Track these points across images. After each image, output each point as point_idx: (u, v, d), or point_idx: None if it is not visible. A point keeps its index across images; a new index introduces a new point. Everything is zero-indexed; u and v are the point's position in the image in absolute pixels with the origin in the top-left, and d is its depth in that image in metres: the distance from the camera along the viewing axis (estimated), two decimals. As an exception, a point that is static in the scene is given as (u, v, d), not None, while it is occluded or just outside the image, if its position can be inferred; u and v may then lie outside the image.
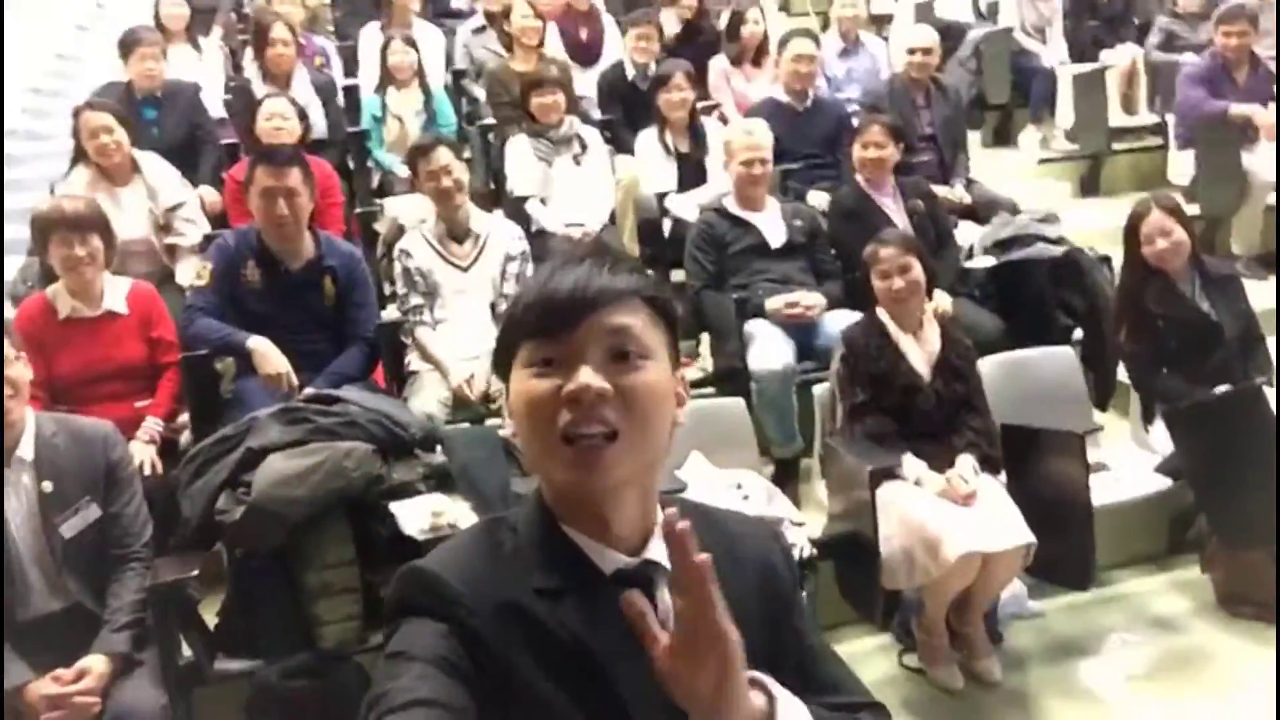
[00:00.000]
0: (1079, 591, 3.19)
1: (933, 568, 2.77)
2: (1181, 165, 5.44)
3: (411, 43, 5.41)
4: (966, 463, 2.96)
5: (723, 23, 6.00)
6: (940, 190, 4.65)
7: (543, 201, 4.62)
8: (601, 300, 1.02)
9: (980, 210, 4.75)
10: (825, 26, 6.53)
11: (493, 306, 3.67)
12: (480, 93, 5.79)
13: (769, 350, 3.65)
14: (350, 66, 6.15)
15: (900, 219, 4.12)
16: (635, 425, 1.00)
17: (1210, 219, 5.12)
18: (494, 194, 4.98)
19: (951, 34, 6.21)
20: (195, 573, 2.57)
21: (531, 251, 3.79)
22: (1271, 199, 5.07)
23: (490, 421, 3.39)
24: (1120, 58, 6.45)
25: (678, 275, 4.11)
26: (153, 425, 3.21)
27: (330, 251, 3.38)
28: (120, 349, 3.27)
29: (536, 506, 1.07)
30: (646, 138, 4.86)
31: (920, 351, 3.13)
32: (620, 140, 5.14)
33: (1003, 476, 3.04)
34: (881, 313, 3.17)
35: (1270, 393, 3.20)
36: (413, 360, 3.64)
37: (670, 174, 4.78)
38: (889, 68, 5.88)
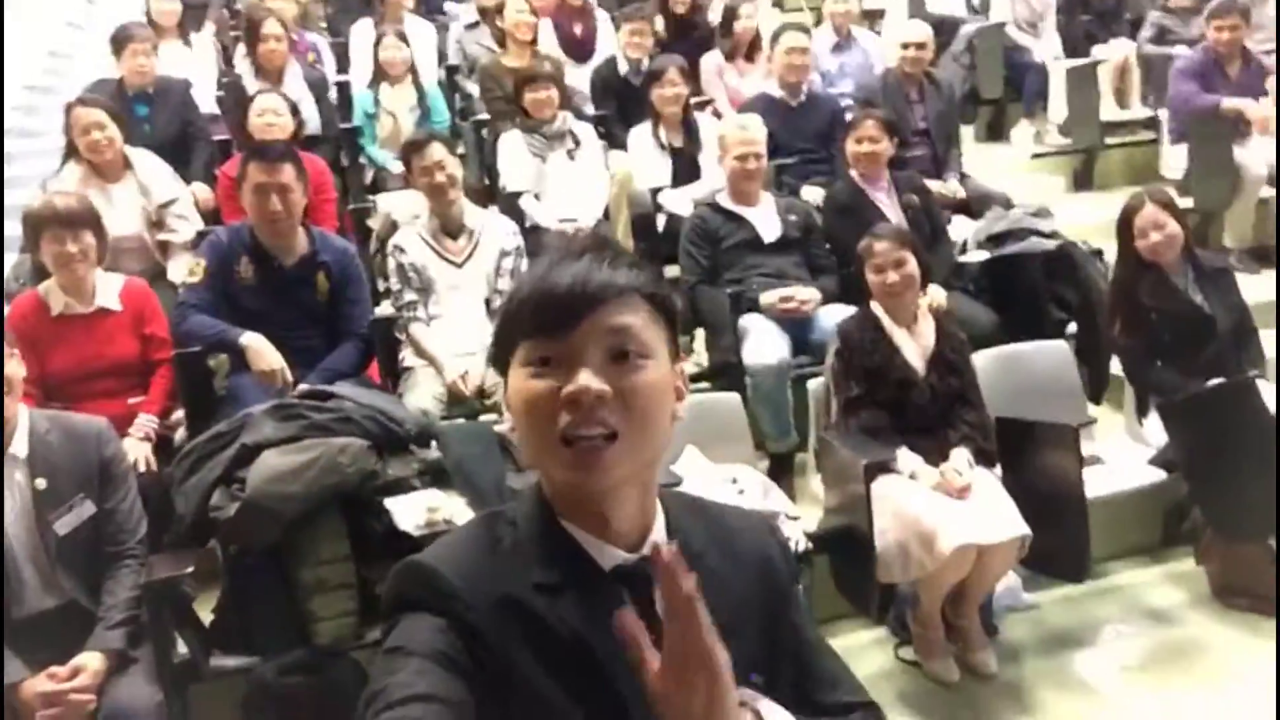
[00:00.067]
0: (1074, 584, 3.19)
1: (928, 561, 2.77)
2: (1174, 159, 5.46)
3: (404, 38, 5.41)
4: (961, 456, 2.96)
5: (716, 18, 6.00)
6: (934, 185, 4.65)
7: (536, 197, 4.61)
8: (601, 297, 1.01)
9: (974, 205, 4.76)
10: (818, 22, 6.51)
11: (487, 302, 3.66)
12: (474, 88, 5.79)
13: (764, 345, 3.65)
14: (342, 62, 6.14)
15: (894, 213, 4.12)
16: (635, 426, 1.00)
17: (1203, 213, 5.14)
18: (488, 190, 4.97)
19: (944, 29, 6.21)
20: (190, 569, 2.56)
21: (526, 247, 3.79)
22: (1263, 193, 5.08)
23: (485, 417, 3.39)
24: (1113, 52, 6.46)
25: (672, 270, 4.10)
26: (146, 422, 3.20)
27: (324, 247, 3.38)
28: (113, 346, 3.26)
29: (536, 501, 1.07)
30: (640, 133, 4.86)
31: (915, 345, 3.13)
32: (613, 136, 5.14)
33: (997, 470, 3.05)
34: (876, 307, 3.18)
35: (1264, 385, 3.21)
36: (407, 356, 3.64)
37: (664, 169, 4.78)
38: (882, 63, 5.88)
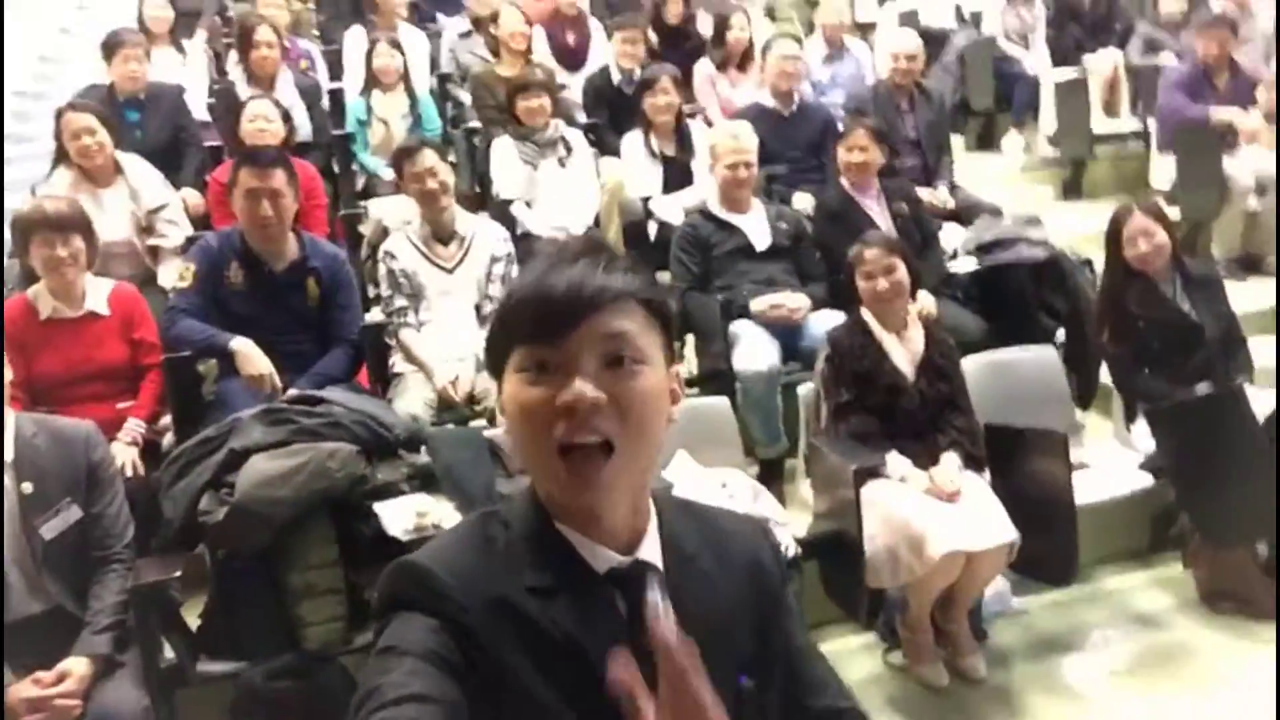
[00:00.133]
0: (1062, 588, 3.20)
1: (917, 565, 2.78)
2: (1163, 169, 5.50)
3: (397, 46, 5.42)
4: (951, 461, 2.97)
5: (708, 29, 6.03)
6: (924, 194, 4.67)
7: (528, 204, 4.62)
8: (597, 302, 1.00)
9: (964, 214, 4.78)
10: (810, 33, 6.55)
11: (478, 308, 3.66)
12: (465, 97, 5.80)
13: (754, 351, 3.66)
14: (335, 70, 6.14)
15: (884, 221, 4.14)
16: (630, 434, 0.99)
17: (1191, 223, 5.17)
18: (479, 197, 4.98)
19: (935, 40, 6.26)
20: (177, 574, 2.55)
21: (516, 254, 3.79)
22: (1251, 203, 5.12)
23: (475, 423, 3.39)
24: (1102, 64, 6.50)
25: (663, 277, 4.10)
26: (134, 427, 3.19)
27: (314, 253, 3.37)
28: (102, 350, 3.25)
29: (529, 503, 1.06)
30: (632, 141, 4.87)
31: (904, 351, 3.14)
32: (605, 144, 5.15)
33: (986, 475, 3.06)
34: (866, 313, 3.18)
35: (1252, 391, 3.23)
36: (397, 362, 3.63)
37: (656, 177, 4.79)
38: (873, 73, 5.92)
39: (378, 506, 2.64)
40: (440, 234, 3.68)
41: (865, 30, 7.10)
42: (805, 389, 3.43)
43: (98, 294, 3.29)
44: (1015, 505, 2.86)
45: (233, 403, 3.04)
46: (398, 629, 0.98)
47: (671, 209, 4.58)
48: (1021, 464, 3.09)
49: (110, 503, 2.53)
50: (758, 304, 3.79)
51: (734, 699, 1.08)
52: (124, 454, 3.05)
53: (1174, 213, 4.48)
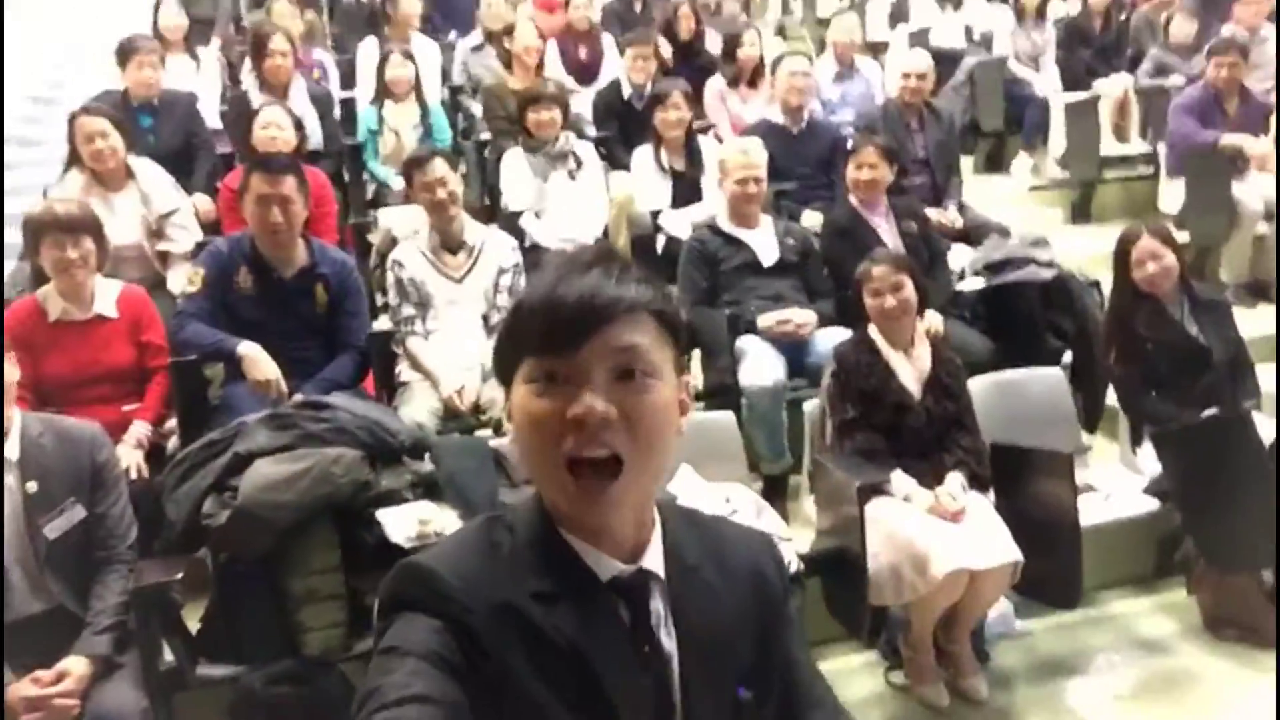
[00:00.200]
0: (1066, 611, 3.18)
1: (920, 584, 2.76)
2: (1172, 194, 5.49)
3: (410, 57, 5.44)
4: (955, 480, 2.96)
5: (718, 46, 6.06)
6: (933, 213, 4.67)
7: (537, 216, 4.63)
8: (609, 314, 0.99)
9: (972, 234, 4.78)
10: (821, 52, 6.58)
11: (485, 318, 3.67)
12: (477, 109, 5.83)
13: (760, 366, 3.65)
14: (347, 80, 6.18)
15: (892, 239, 4.14)
16: (640, 449, 0.99)
17: (1200, 247, 5.16)
18: (489, 209, 5.00)
19: (946, 61, 6.27)
20: (179, 576, 2.55)
21: (524, 266, 3.80)
22: (1260, 228, 5.11)
23: (480, 432, 3.39)
24: (1112, 87, 6.51)
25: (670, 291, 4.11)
26: (140, 429, 3.19)
27: (323, 259, 3.38)
28: (110, 352, 3.26)
29: (535, 509, 1.06)
30: (642, 155, 4.89)
31: (911, 369, 3.13)
32: (615, 157, 5.17)
33: (991, 495, 3.04)
34: (873, 330, 3.18)
35: (1259, 417, 3.22)
36: (404, 370, 3.64)
37: (665, 191, 4.80)
38: (883, 92, 5.93)
39: (381, 513, 2.63)
40: (449, 243, 3.69)
41: (876, 50, 7.13)
42: (811, 405, 3.43)
43: (107, 296, 3.30)
44: (1019, 526, 2.85)
45: (239, 407, 3.05)
46: (401, 629, 0.98)
47: (680, 223, 4.59)
48: (1026, 484, 3.08)
49: (114, 504, 2.54)
50: (764, 320, 3.79)
51: (733, 710, 1.08)
52: (129, 456, 3.05)
53: (1183, 237, 4.47)
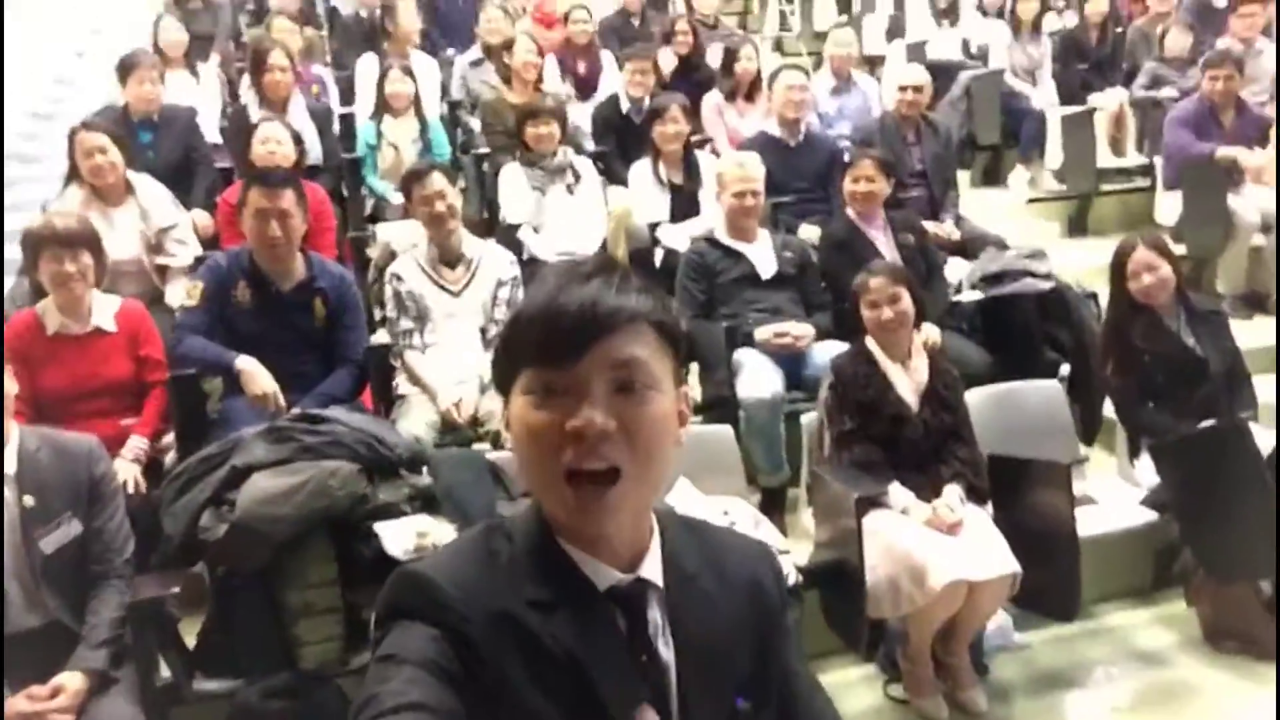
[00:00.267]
0: (1064, 623, 3.18)
1: (918, 596, 2.76)
2: (1168, 206, 5.51)
3: (409, 72, 5.46)
4: (953, 492, 2.96)
5: (717, 61, 6.08)
6: (930, 226, 4.68)
7: (535, 230, 4.64)
8: (609, 326, 0.98)
9: (969, 246, 4.79)
10: (818, 66, 6.61)
11: (483, 331, 3.68)
12: (475, 123, 5.84)
13: (758, 379, 3.66)
14: (346, 95, 6.20)
15: (890, 252, 4.15)
16: (639, 462, 0.99)
17: (1196, 259, 5.17)
18: (487, 223, 5.01)
19: (943, 75, 6.29)
20: (176, 591, 2.55)
21: (523, 280, 3.80)
22: (1256, 240, 5.13)
23: (478, 446, 3.39)
24: (1108, 100, 6.54)
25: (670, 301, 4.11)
26: (138, 444, 3.19)
27: (321, 273, 3.39)
28: (108, 366, 3.26)
29: (533, 518, 1.06)
30: (640, 168, 4.91)
31: (908, 381, 3.14)
32: (613, 171, 5.19)
33: (989, 507, 3.04)
34: (870, 342, 3.19)
35: (1256, 428, 3.22)
36: (401, 384, 3.64)
37: (663, 205, 4.81)
38: (880, 106, 5.95)
39: (378, 526, 2.63)
40: (447, 257, 3.70)
41: (873, 64, 7.16)
42: (808, 418, 3.43)
43: (105, 311, 3.31)
44: (1017, 538, 2.85)
45: (237, 421, 3.05)
46: (398, 637, 0.98)
47: (678, 237, 4.60)
48: (1024, 496, 3.08)
49: (111, 518, 2.53)
50: (762, 332, 3.80)
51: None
52: (126, 470, 3.05)
53: (1179, 249, 4.48)
